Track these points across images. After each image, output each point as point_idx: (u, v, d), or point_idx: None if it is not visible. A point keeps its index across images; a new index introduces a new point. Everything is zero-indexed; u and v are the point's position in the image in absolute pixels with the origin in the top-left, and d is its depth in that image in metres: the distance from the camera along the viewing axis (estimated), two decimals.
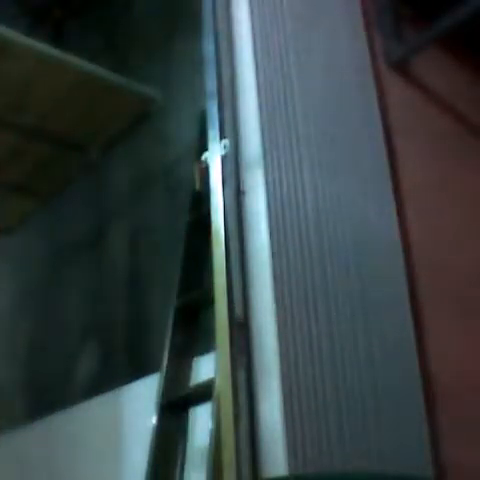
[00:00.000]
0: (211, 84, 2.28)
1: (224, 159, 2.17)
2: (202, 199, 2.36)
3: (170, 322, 2.40)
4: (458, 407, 2.51)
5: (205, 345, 2.31)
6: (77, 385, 3.26)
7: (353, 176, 2.49)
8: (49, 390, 3.47)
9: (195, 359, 2.39)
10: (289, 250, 2.13)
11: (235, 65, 2.38)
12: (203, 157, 2.23)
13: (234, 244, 2.10)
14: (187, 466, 2.23)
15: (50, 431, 3.22)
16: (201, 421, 2.23)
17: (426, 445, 2.25)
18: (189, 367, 2.38)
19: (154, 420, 2.25)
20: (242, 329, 2.02)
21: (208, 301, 2.11)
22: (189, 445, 2.27)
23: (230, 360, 1.91)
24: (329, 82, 2.59)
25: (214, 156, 2.19)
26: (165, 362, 2.34)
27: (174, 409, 2.29)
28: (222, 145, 2.18)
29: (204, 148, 2.24)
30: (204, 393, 2.13)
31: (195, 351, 2.40)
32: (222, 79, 2.30)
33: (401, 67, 3.05)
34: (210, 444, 1.94)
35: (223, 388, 1.90)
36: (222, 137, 2.20)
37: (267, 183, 2.17)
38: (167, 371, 2.33)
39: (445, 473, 2.28)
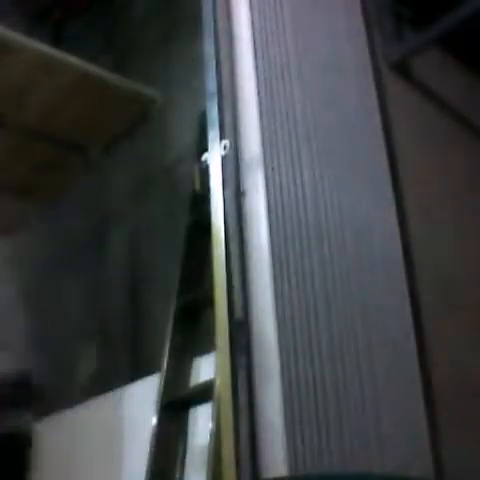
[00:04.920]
0: (211, 84, 2.28)
1: (224, 160, 2.17)
2: (202, 199, 2.36)
3: (170, 322, 2.41)
4: (458, 407, 2.51)
5: (205, 345, 2.31)
6: (77, 385, 3.25)
7: (353, 176, 2.49)
8: (49, 390, 3.47)
9: (195, 359, 2.39)
10: (289, 250, 2.13)
11: (235, 65, 2.38)
12: (203, 158, 2.23)
13: (234, 244, 2.10)
14: (187, 466, 2.23)
15: (50, 431, 3.22)
16: (201, 421, 2.23)
17: (426, 445, 2.26)
18: (189, 367, 2.38)
19: (154, 420, 2.25)
20: (242, 329, 2.02)
21: (208, 301, 2.11)
22: (189, 445, 2.27)
23: (230, 360, 1.91)
24: (329, 82, 2.59)
25: (214, 157, 2.19)
26: (165, 362, 2.34)
27: (174, 409, 2.29)
28: (222, 146, 2.18)
29: (204, 149, 2.24)
30: (204, 393, 2.14)
31: (195, 351, 2.40)
32: (222, 79, 2.30)
33: (401, 68, 3.05)
34: (210, 444, 1.94)
35: (223, 388, 1.90)
36: (222, 137, 2.19)
37: (267, 183, 2.16)
38: (167, 371, 2.33)
39: (445, 473, 2.28)
